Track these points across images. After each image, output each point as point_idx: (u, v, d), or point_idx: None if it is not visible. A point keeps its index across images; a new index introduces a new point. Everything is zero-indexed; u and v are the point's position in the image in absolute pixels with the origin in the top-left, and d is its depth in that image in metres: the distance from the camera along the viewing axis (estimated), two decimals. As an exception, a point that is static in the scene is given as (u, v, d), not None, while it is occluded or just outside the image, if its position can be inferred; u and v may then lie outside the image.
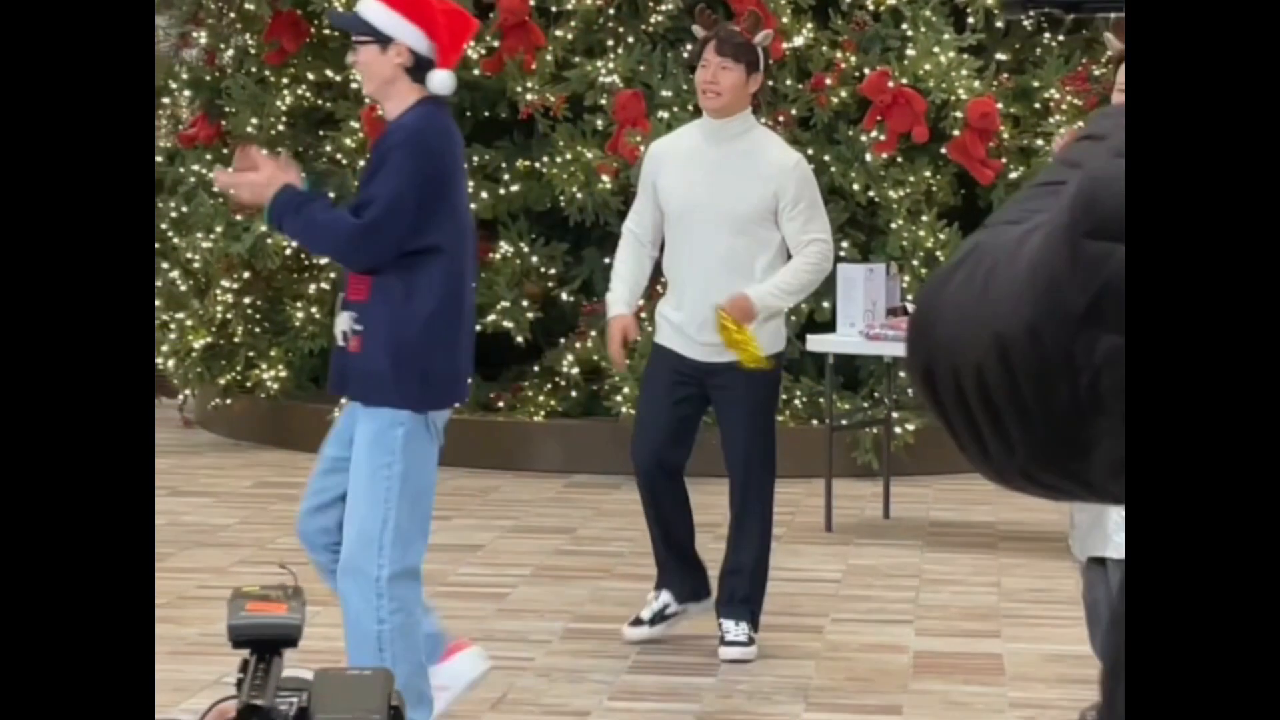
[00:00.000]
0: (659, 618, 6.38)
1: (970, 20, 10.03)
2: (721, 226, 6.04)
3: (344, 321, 4.98)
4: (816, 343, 8.45)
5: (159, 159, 11.95)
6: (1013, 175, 9.73)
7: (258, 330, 10.70)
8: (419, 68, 4.91)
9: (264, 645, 1.46)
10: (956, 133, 9.67)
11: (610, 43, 10.04)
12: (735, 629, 6.20)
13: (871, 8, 10.03)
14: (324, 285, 10.38)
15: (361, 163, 10.28)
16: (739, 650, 6.17)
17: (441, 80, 4.94)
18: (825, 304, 9.30)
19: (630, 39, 10.01)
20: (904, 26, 9.94)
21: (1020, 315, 1.02)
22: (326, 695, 1.42)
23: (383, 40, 4.90)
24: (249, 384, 10.60)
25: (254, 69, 11.08)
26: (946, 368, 1.07)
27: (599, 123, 9.84)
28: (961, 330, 1.06)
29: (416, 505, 5.10)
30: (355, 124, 10.39)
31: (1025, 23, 10.16)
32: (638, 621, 6.39)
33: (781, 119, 9.77)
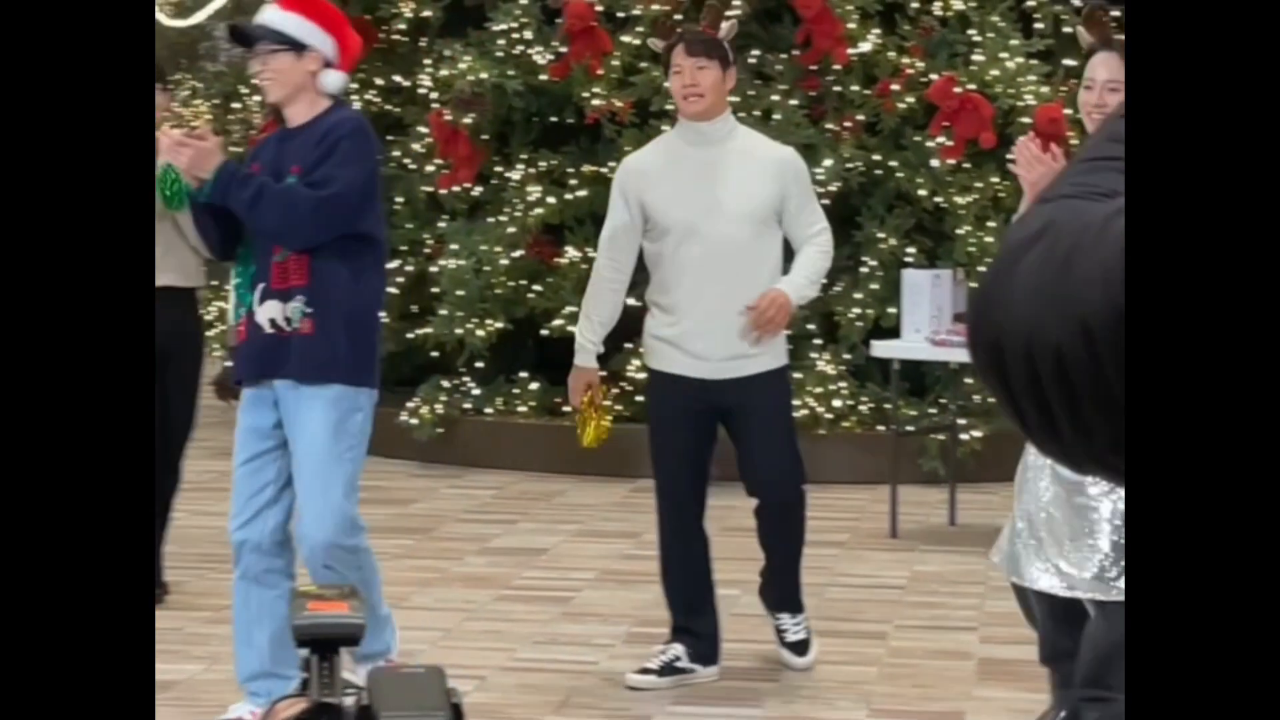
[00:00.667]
0: (669, 669, 5.98)
1: (1038, 26, 10.01)
2: (731, 230, 5.77)
3: (283, 308, 5.18)
4: (882, 348, 8.45)
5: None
6: (1080, 181, 9.69)
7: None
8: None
9: (327, 644, 1.50)
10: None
11: (677, 48, 10.06)
12: (792, 624, 6.18)
13: (939, 13, 10.03)
14: (391, 289, 10.44)
15: (429, 168, 10.35)
16: (792, 657, 6.16)
17: (335, 80, 5.25)
18: (891, 310, 9.31)
19: (697, 44, 10.03)
20: (971, 32, 9.93)
21: (1111, 298, 0.99)
22: (386, 693, 1.45)
23: (297, 48, 5.19)
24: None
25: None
26: (1019, 348, 1.03)
27: (665, 127, 9.86)
28: (1039, 310, 1.02)
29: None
30: (424, 129, 10.47)
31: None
32: (645, 670, 6.00)
33: (848, 124, 9.78)
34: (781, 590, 6.17)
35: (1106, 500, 4.70)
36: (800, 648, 6.18)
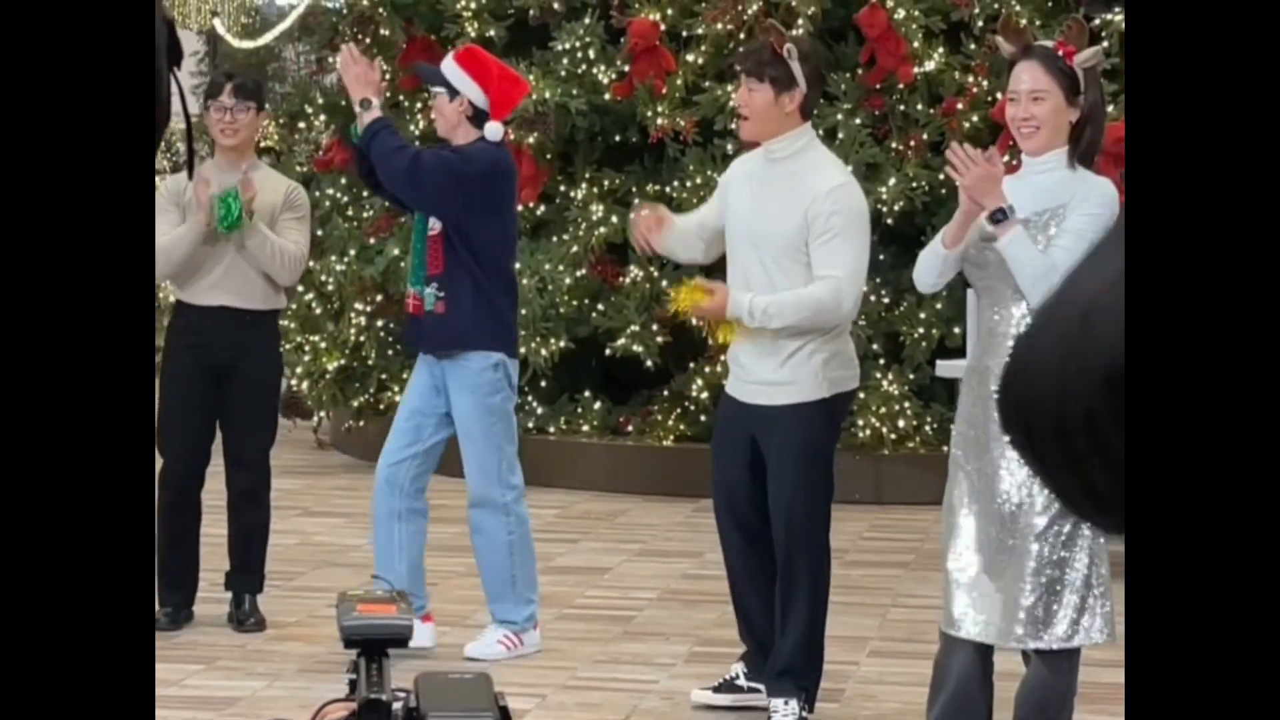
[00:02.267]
0: (727, 686, 5.95)
1: (1105, 44, 9.98)
2: (757, 253, 5.57)
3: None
4: (946, 368, 8.44)
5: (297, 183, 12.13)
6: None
7: (390, 352, 10.84)
8: (477, 116, 6.35)
9: (375, 645, 1.52)
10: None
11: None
12: (784, 709, 5.67)
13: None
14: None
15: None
16: None
17: (493, 130, 6.36)
18: (956, 330, 9.29)
19: (761, 64, 10.05)
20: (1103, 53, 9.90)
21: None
22: (434, 696, 1.48)
23: (451, 91, 6.34)
24: (381, 406, 10.74)
25: (389, 94, 11.23)
26: (1050, 422, 1.02)
27: (729, 147, 9.89)
28: (1064, 380, 1.01)
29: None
30: (487, 149, 10.52)
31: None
32: (707, 686, 6.00)
33: (913, 143, 9.78)
34: (781, 661, 5.72)
35: (1033, 546, 4.66)
36: None
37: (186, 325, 6.88)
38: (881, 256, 9.97)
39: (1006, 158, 6.25)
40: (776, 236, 5.55)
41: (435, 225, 6.36)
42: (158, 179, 11.88)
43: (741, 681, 5.93)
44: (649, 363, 10.03)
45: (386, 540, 6.52)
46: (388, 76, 11.26)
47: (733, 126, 9.78)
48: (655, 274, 10.10)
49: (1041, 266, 4.62)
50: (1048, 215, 4.73)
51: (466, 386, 6.41)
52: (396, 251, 10.39)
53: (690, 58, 10.10)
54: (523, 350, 10.09)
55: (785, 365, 5.59)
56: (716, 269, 6.09)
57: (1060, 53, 4.80)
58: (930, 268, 4.92)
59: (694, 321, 6.03)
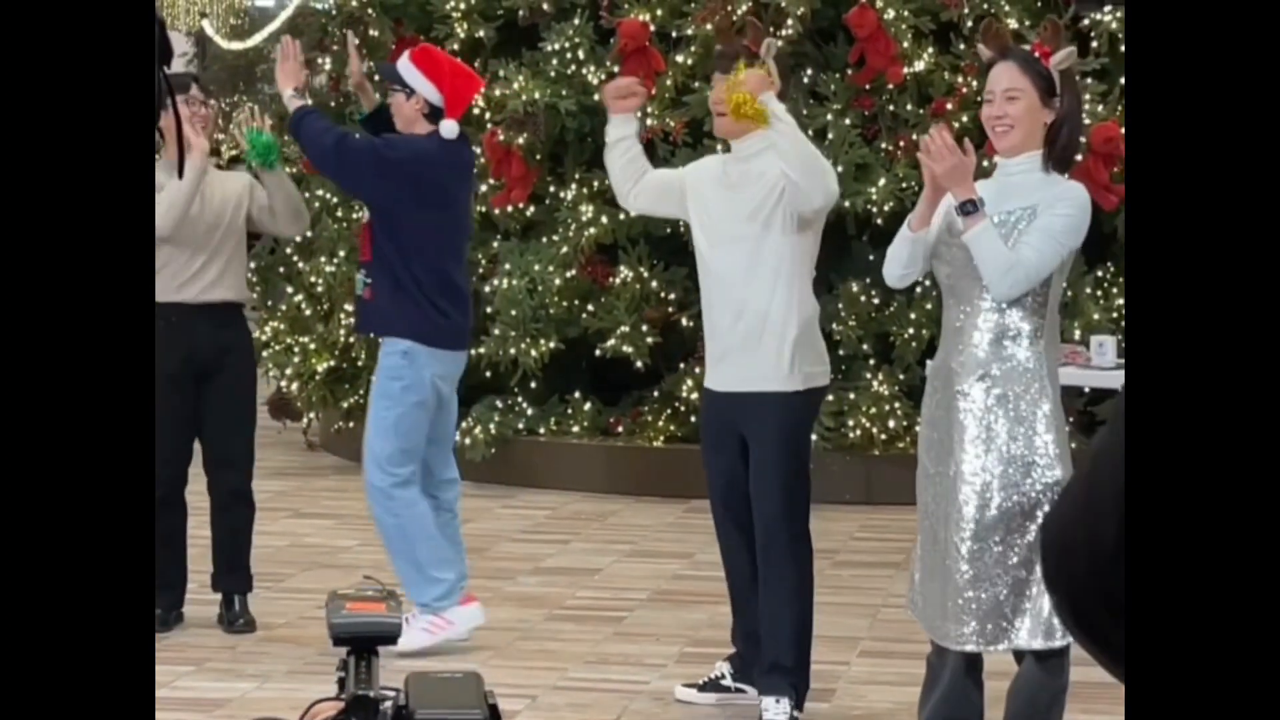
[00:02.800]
0: (713, 686, 5.98)
1: (1094, 45, 9.99)
2: (735, 247, 5.63)
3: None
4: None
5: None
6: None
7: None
8: (434, 114, 6.50)
9: (364, 643, 1.53)
10: (1079, 158, 9.63)
11: (731, 68, 10.09)
12: (775, 707, 5.64)
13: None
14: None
15: (483, 187, 10.41)
16: None
17: (448, 127, 6.49)
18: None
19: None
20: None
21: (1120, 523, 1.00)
22: (424, 694, 1.47)
23: (408, 90, 6.53)
24: (371, 407, 10.72)
25: (378, 95, 11.22)
26: (1089, 598, 1.04)
27: (718, 148, 9.88)
28: (1082, 550, 1.03)
29: None
30: (477, 149, 10.50)
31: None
32: (692, 684, 6.03)
33: (902, 144, 9.78)
34: (771, 657, 5.70)
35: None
36: None
37: (166, 326, 6.87)
38: (871, 257, 9.98)
39: (985, 163, 6.25)
40: (736, 228, 5.62)
41: (365, 213, 6.73)
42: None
43: (727, 681, 5.95)
44: (639, 363, 10.03)
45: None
46: (376, 77, 11.26)
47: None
48: (645, 274, 10.10)
49: (1006, 261, 4.62)
50: (1018, 215, 4.72)
51: (378, 369, 6.62)
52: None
53: (680, 58, 10.10)
54: (512, 351, 10.11)
55: (759, 354, 5.58)
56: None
57: (1037, 54, 4.79)
58: (897, 257, 4.91)
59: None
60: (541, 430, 10.27)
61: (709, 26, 9.90)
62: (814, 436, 9.50)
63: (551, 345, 10.12)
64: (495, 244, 10.55)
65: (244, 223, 7.00)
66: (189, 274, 6.83)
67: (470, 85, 6.76)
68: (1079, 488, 1.06)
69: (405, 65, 6.56)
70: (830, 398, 9.65)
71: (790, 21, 9.76)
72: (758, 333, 5.60)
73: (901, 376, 9.76)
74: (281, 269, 11.68)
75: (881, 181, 9.69)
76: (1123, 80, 9.97)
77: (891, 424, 9.58)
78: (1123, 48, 9.87)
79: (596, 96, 10.19)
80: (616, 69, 10.05)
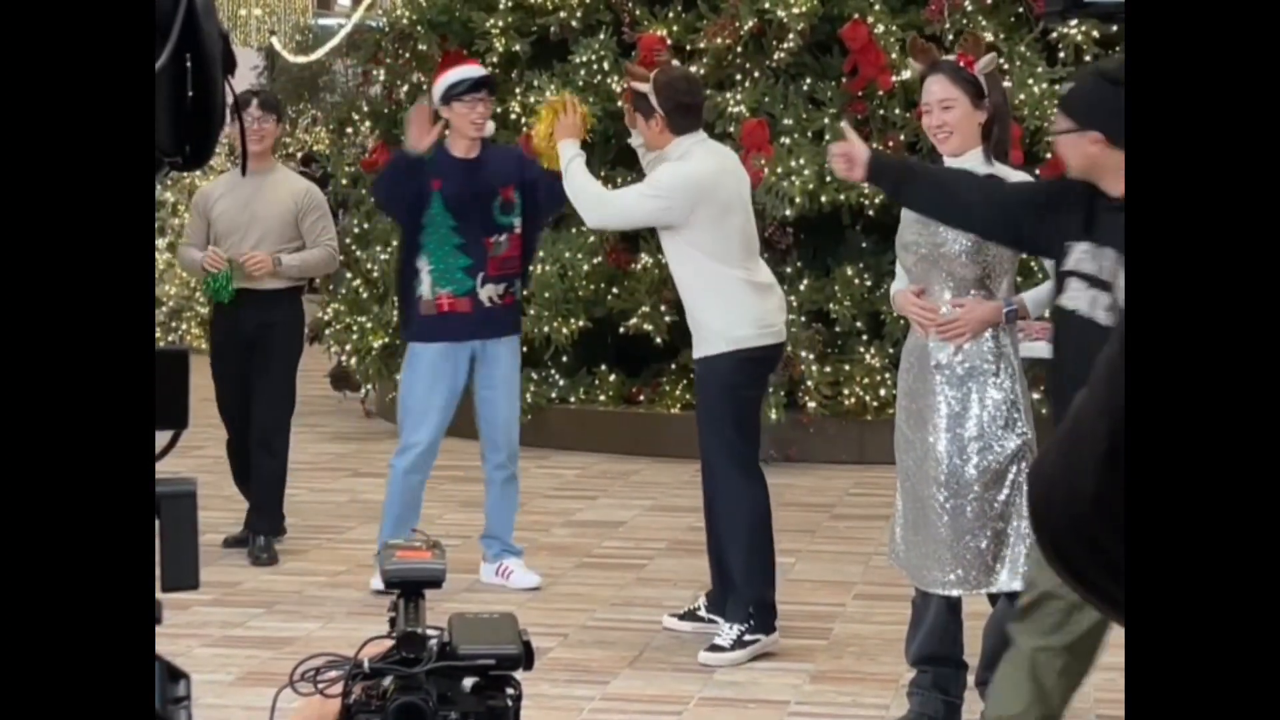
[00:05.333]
0: (690, 616, 6.08)
1: (1061, 55, 9.95)
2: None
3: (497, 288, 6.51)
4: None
5: (344, 181, 12.12)
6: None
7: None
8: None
9: (412, 586, 1.52)
10: (1049, 156, 9.59)
11: (738, 77, 10.06)
12: (725, 631, 5.73)
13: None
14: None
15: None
16: (713, 656, 5.67)
17: (488, 126, 6.58)
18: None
19: (756, 73, 10.02)
20: (1001, 60, 9.86)
21: (1099, 482, 0.99)
22: (464, 631, 1.47)
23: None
24: (421, 379, 10.72)
25: (426, 103, 11.22)
26: (1071, 543, 1.02)
27: (727, 148, 9.87)
28: (1064, 499, 1.02)
29: None
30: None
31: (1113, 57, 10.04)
32: (675, 614, 6.14)
33: (891, 144, 9.75)
34: (728, 589, 5.80)
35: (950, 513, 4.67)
36: (717, 650, 5.72)
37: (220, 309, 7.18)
38: (864, 244, 9.95)
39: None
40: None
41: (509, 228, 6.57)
42: (200, 180, 11.88)
43: (702, 612, 6.04)
44: (658, 339, 10.02)
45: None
46: (424, 87, 11.26)
47: (731, 130, 9.78)
48: (664, 261, 10.06)
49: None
50: None
51: (511, 364, 6.76)
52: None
53: (693, 68, 10.06)
54: (545, 329, 10.10)
55: (694, 328, 5.81)
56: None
57: (962, 64, 4.75)
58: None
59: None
60: (571, 399, 10.26)
61: (719, 40, 9.86)
62: (812, 404, 9.51)
63: (580, 323, 10.12)
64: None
65: (289, 222, 7.11)
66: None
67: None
68: (1059, 447, 1.05)
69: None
70: (828, 369, 9.63)
71: (791, 36, 9.72)
72: (690, 310, 5.85)
73: (891, 350, 9.73)
74: (341, 257, 11.67)
75: (873, 177, 9.64)
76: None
77: (882, 392, 9.55)
78: (1087, 58, 9.81)
79: (619, 103, 10.17)
80: (637, 78, 10.01)
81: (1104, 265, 4.04)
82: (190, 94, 1.39)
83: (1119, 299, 3.96)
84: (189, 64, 1.38)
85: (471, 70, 6.62)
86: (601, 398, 10.25)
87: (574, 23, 10.51)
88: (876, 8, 9.75)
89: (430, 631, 1.49)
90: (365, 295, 11.31)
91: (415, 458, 6.62)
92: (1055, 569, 1.05)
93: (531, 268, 7.20)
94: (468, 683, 1.48)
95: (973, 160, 4.69)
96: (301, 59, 20.84)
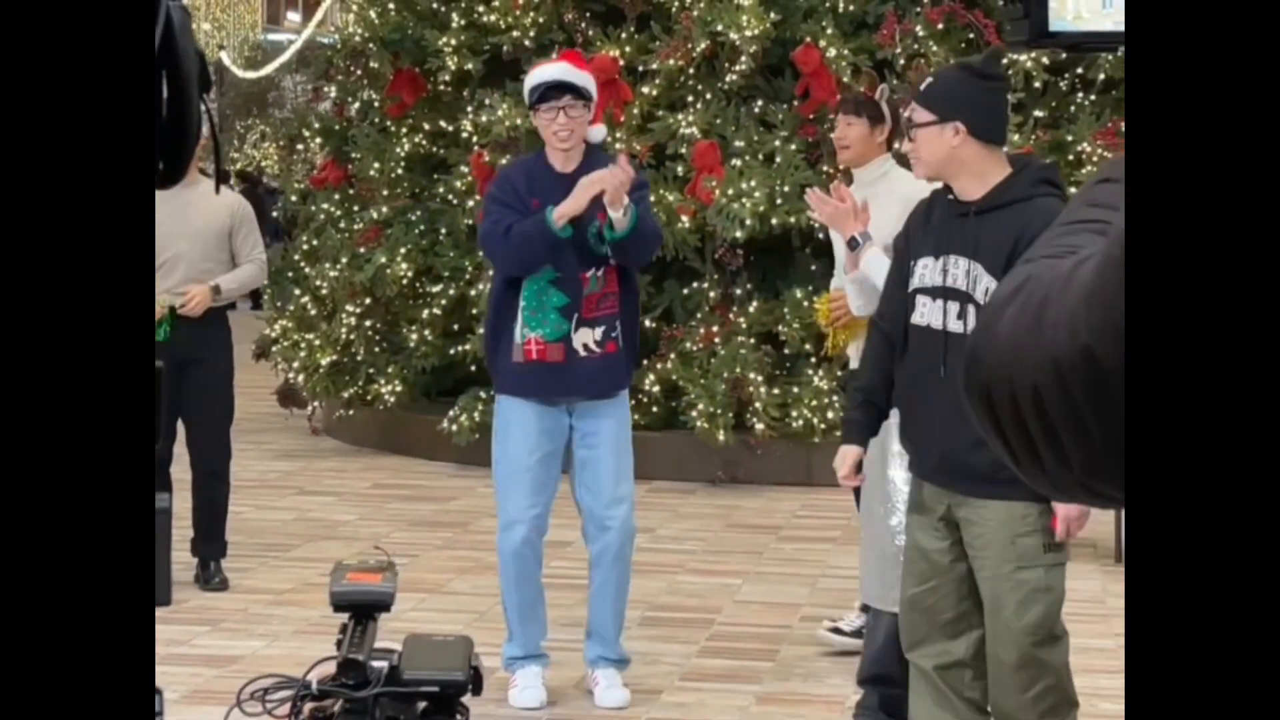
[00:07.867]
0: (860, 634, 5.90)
1: (1011, 81, 9.99)
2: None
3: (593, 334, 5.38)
4: (870, 366, 8.42)
5: (294, 198, 12.07)
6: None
7: (377, 349, 10.80)
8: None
9: (361, 609, 1.50)
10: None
11: (690, 99, 10.08)
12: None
13: (923, 69, 10.01)
14: (436, 310, 10.45)
15: (470, 203, 10.36)
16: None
17: (593, 133, 5.37)
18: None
19: (708, 95, 10.04)
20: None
21: (1076, 340, 0.99)
22: (415, 655, 1.45)
23: (589, 104, 5.29)
24: (369, 397, 10.69)
25: (377, 120, 11.21)
26: (1004, 391, 1.04)
27: (679, 169, 9.88)
28: (1018, 356, 1.03)
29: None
30: (465, 168, 10.48)
31: (1061, 83, 10.12)
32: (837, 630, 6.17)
33: (842, 168, 9.78)
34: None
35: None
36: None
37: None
38: (814, 266, 9.98)
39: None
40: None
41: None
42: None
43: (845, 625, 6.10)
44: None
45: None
46: (375, 104, 11.23)
47: (683, 151, 9.79)
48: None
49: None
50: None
51: (620, 420, 5.83)
52: (384, 259, 10.36)
53: (645, 89, 10.08)
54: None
55: None
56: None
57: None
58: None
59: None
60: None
61: (671, 62, 9.88)
62: (760, 425, 9.52)
63: (529, 343, 10.09)
64: (480, 253, 10.49)
65: (223, 236, 6.95)
66: (159, 273, 6.77)
67: (618, 93, 6.13)
68: (1021, 308, 1.06)
69: (582, 75, 5.27)
70: (776, 391, 9.64)
71: (744, 59, 9.74)
72: None
73: (840, 373, 9.75)
74: (290, 273, 11.62)
75: (823, 200, 9.67)
76: (1036, 113, 9.97)
77: (830, 415, 9.56)
78: (1035, 84, 9.87)
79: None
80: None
81: (952, 273, 4.02)
82: (165, 112, 1.39)
83: (980, 298, 3.97)
84: (165, 81, 1.38)
85: (546, 72, 5.32)
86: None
87: (527, 42, 10.50)
88: (829, 32, 9.79)
89: (390, 649, 1.47)
90: (314, 312, 11.26)
91: (522, 538, 5.62)
92: (980, 418, 1.07)
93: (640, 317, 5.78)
94: (421, 704, 1.46)
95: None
96: (251, 74, 20.75)
